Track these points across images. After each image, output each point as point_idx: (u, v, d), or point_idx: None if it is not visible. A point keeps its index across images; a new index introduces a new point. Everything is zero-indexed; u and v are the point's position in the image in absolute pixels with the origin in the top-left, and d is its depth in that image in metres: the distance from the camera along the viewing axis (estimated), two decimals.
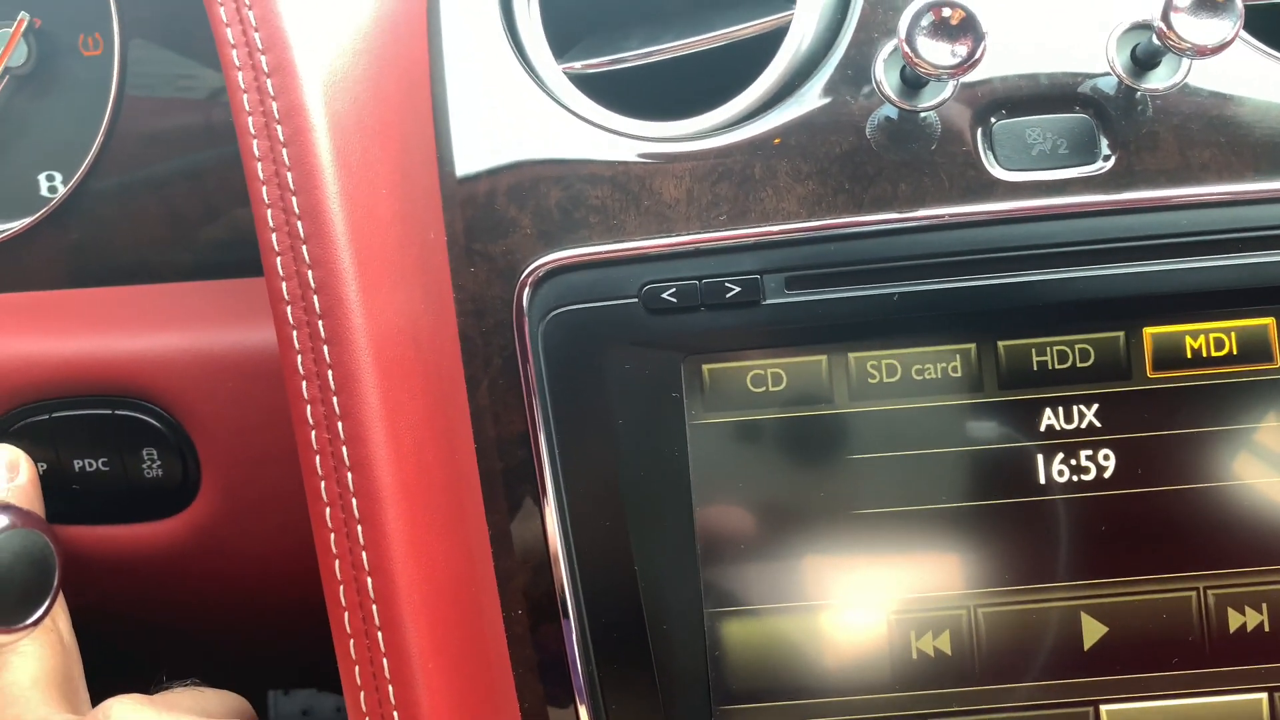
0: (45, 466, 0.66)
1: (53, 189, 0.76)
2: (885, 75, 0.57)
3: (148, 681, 0.63)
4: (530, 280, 0.58)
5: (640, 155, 0.59)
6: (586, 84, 0.63)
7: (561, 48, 0.64)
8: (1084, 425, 0.58)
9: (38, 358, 0.65)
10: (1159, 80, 0.57)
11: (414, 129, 0.58)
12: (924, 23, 0.53)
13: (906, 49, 0.53)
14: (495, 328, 0.59)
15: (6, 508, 0.42)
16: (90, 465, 0.66)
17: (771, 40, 0.61)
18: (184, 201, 0.71)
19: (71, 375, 0.65)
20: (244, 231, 0.71)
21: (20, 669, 0.54)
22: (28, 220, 0.72)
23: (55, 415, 0.65)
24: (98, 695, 0.59)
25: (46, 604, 0.43)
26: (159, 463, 0.66)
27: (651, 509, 0.58)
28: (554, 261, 0.58)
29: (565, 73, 0.63)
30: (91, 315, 0.67)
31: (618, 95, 0.63)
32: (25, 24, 0.75)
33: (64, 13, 0.75)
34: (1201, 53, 0.53)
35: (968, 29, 0.53)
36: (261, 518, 0.66)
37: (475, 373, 0.58)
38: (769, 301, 0.57)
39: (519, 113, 0.61)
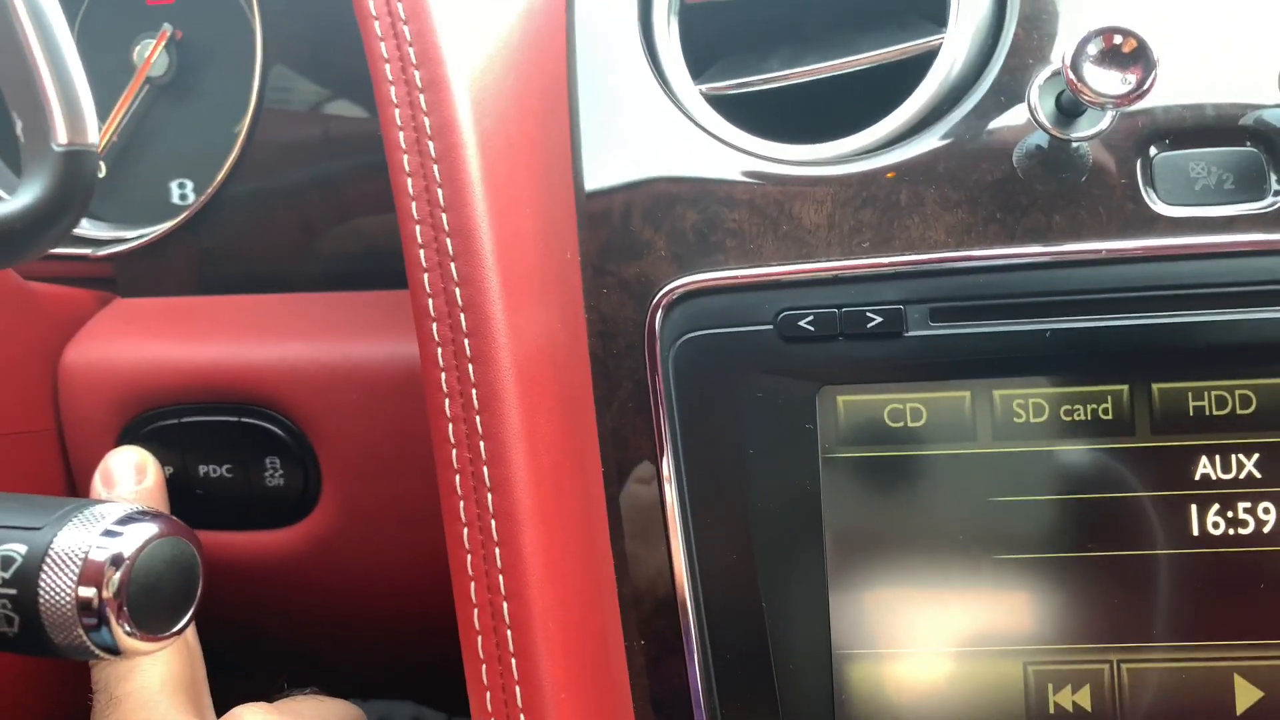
0: (171, 470, 0.67)
1: (183, 196, 0.78)
2: (1040, 102, 0.55)
3: (259, 687, 0.63)
4: (663, 303, 0.57)
5: (780, 179, 0.58)
6: (724, 105, 0.62)
7: (699, 67, 0.63)
8: (1242, 475, 0.55)
9: (170, 363, 0.66)
10: None
11: (553, 147, 0.57)
12: (1092, 50, 0.51)
13: (1071, 76, 0.51)
14: (626, 350, 0.58)
15: (156, 516, 0.42)
16: (214, 471, 0.66)
17: (917, 63, 0.59)
18: (315, 213, 0.71)
19: (201, 382, 0.66)
20: (373, 244, 0.71)
21: (150, 673, 0.55)
22: (164, 227, 0.73)
23: (184, 420, 0.66)
24: (215, 701, 0.59)
25: (191, 613, 0.43)
26: (281, 472, 0.66)
27: (780, 543, 0.56)
28: (688, 285, 0.57)
29: (703, 93, 0.62)
30: (222, 323, 0.68)
31: (755, 116, 0.61)
32: (168, 36, 0.76)
33: (204, 25, 0.77)
34: None
35: (1139, 57, 0.50)
36: (380, 530, 0.66)
37: (605, 395, 0.57)
38: (912, 333, 0.55)
39: (655, 132, 0.60)
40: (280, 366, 0.65)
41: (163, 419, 0.66)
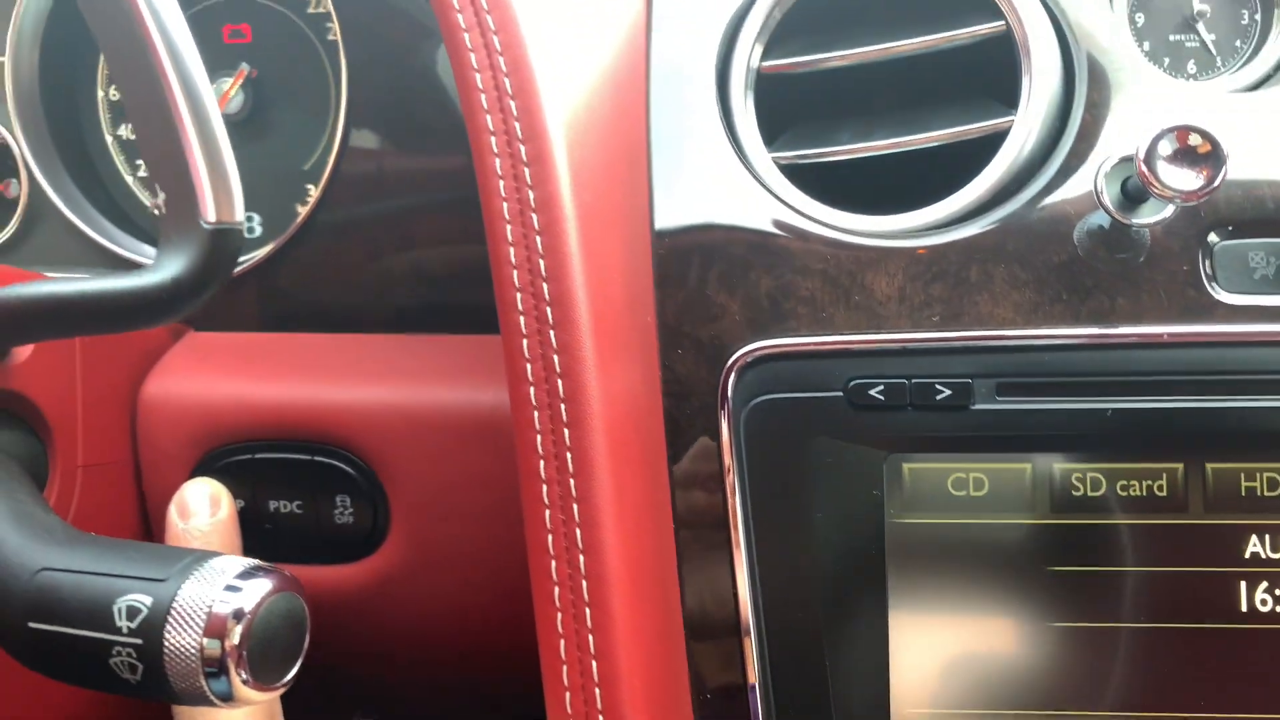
0: (242, 503, 0.68)
1: (251, 230, 0.80)
2: (1106, 186, 0.58)
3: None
4: (736, 366, 0.59)
5: (853, 250, 0.60)
6: (794, 171, 0.64)
7: (769, 134, 0.66)
8: None
9: (245, 401, 0.68)
10: None
11: (636, 214, 0.60)
12: (1166, 148, 0.53)
13: (1144, 170, 0.53)
14: (699, 410, 0.60)
15: (271, 571, 0.44)
16: (285, 506, 0.68)
17: (984, 144, 0.62)
18: (387, 255, 0.73)
19: (275, 420, 0.68)
20: (441, 287, 0.73)
21: (234, 712, 0.56)
22: (240, 263, 0.75)
23: (257, 456, 0.68)
24: None
25: (299, 663, 0.45)
26: (350, 510, 0.68)
27: (845, 604, 0.58)
28: (761, 349, 0.59)
29: (775, 161, 0.64)
30: (295, 361, 0.70)
31: (820, 184, 0.64)
32: (245, 75, 0.79)
33: (279, 66, 0.79)
34: None
35: (1212, 156, 0.53)
36: (446, 571, 0.68)
37: (678, 453, 0.59)
38: (978, 406, 0.58)
39: (731, 198, 0.62)
40: (354, 408, 0.67)
41: (237, 454, 0.68)
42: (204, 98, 0.40)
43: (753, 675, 0.58)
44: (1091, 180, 0.58)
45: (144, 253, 0.80)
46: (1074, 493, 0.58)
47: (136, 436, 0.69)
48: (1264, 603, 0.57)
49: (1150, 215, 0.57)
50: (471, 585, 0.67)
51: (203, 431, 0.69)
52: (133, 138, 0.82)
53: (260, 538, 0.69)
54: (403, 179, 0.76)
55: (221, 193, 0.39)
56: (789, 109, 0.67)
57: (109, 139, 0.82)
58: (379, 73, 0.75)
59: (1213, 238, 0.59)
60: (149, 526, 0.71)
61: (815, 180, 0.64)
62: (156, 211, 0.80)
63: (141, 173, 0.82)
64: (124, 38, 0.41)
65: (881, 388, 0.58)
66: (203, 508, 0.65)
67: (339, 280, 0.74)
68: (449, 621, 0.69)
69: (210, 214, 0.39)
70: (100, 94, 0.82)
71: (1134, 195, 0.57)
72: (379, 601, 0.69)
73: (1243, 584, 0.57)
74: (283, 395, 0.68)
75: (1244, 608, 0.57)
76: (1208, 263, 0.58)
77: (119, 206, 0.82)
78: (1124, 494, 0.58)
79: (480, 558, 0.66)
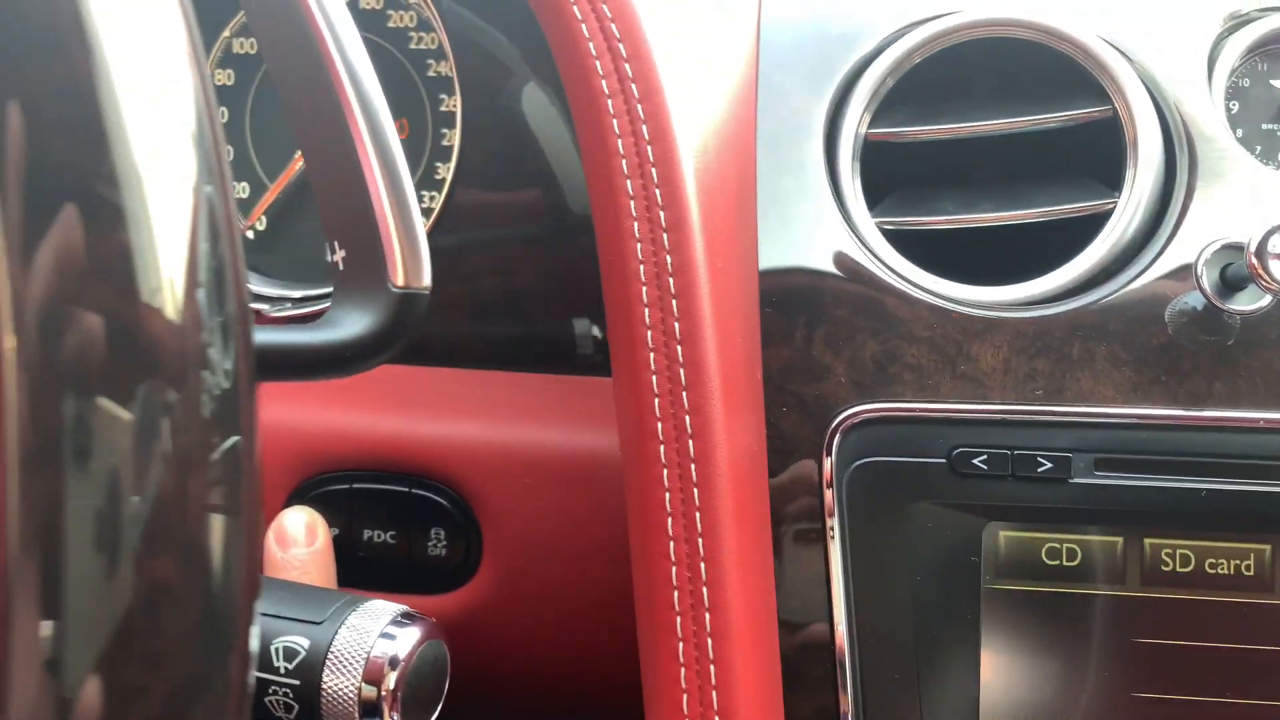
0: (337, 532, 0.70)
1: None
2: (1206, 272, 0.60)
3: None
4: (842, 427, 0.61)
5: (960, 319, 0.62)
6: (895, 238, 0.66)
7: (870, 200, 0.67)
8: None
9: (344, 432, 0.70)
10: None
11: (749, 275, 0.61)
12: (1276, 246, 0.55)
13: (1254, 262, 0.55)
14: (803, 470, 0.61)
15: (419, 619, 0.46)
16: (379, 536, 0.70)
17: (1084, 223, 0.64)
18: (485, 290, 0.75)
19: (373, 451, 0.69)
20: (534, 326, 0.75)
21: None
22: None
23: (355, 486, 0.69)
24: None
25: (441, 705, 0.46)
26: (444, 543, 0.69)
27: (940, 663, 0.60)
28: (867, 413, 0.61)
29: (879, 226, 0.66)
30: (394, 392, 0.72)
31: (920, 252, 0.65)
32: None
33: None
34: None
35: None
36: (535, 608, 0.69)
37: (780, 511, 0.61)
38: (1076, 480, 0.59)
39: (836, 261, 0.64)
40: (450, 441, 0.69)
41: (333, 484, 0.70)
42: (395, 152, 0.41)
43: None
44: (1192, 265, 0.60)
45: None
46: (1163, 568, 0.60)
47: None
48: None
49: (1245, 304, 0.59)
50: (559, 623, 0.68)
51: (300, 459, 0.70)
52: (229, 159, 0.84)
53: (353, 565, 0.70)
54: (503, 213, 0.77)
55: (412, 255, 0.41)
56: (890, 175, 0.69)
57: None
58: (481, 112, 0.76)
59: None
60: None
61: (915, 248, 0.66)
62: (249, 235, 0.82)
63: (235, 194, 0.84)
64: (313, 90, 0.43)
65: (985, 457, 0.60)
66: (301, 537, 0.67)
67: (437, 313, 0.75)
68: (536, 658, 0.70)
69: (399, 279, 0.41)
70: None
71: (1232, 283, 0.59)
72: (467, 634, 0.70)
73: None
74: (379, 426, 0.70)
75: None
76: None
77: None
78: (1212, 571, 0.60)
79: (569, 597, 0.67)
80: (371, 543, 0.70)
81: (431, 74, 0.80)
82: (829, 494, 0.61)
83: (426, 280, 0.41)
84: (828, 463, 0.61)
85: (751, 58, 0.69)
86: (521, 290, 0.76)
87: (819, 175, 0.66)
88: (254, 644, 0.27)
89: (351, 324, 0.41)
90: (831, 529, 0.60)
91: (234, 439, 0.26)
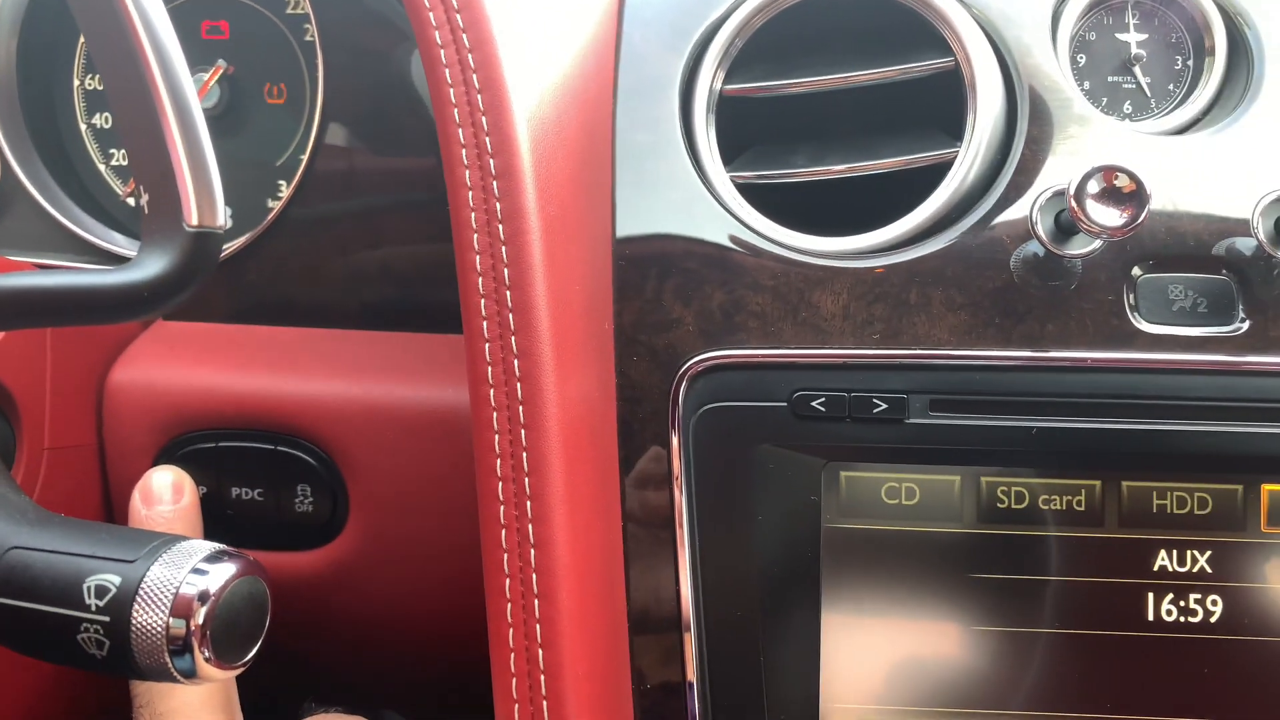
0: (205, 490, 0.70)
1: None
2: (1040, 219, 0.61)
3: (278, 705, 0.67)
4: (688, 374, 0.62)
5: (802, 269, 0.63)
6: (750, 191, 0.67)
7: (728, 155, 0.69)
8: (1196, 570, 0.61)
9: (211, 390, 0.70)
10: None
11: (598, 226, 0.62)
12: (1094, 186, 0.57)
13: (1074, 206, 0.57)
14: (651, 415, 0.62)
15: (235, 556, 0.46)
16: (246, 494, 0.70)
17: (930, 172, 0.65)
18: (357, 254, 0.75)
19: (240, 410, 0.70)
20: (409, 287, 0.76)
21: (190, 692, 0.58)
22: None
23: (220, 445, 0.70)
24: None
25: (259, 643, 0.47)
26: (311, 499, 0.70)
27: (781, 602, 0.61)
28: (713, 359, 0.62)
29: (733, 180, 0.67)
30: (262, 353, 0.72)
31: (776, 203, 0.67)
32: (221, 70, 0.80)
33: (256, 62, 0.81)
34: None
35: (1135, 196, 0.57)
36: (400, 561, 0.70)
37: (629, 456, 0.62)
38: (912, 420, 0.61)
39: (690, 214, 0.65)
40: (318, 400, 0.70)
41: (200, 442, 0.70)
42: (190, 102, 0.42)
43: (691, 670, 0.61)
44: (1028, 212, 0.62)
45: (114, 240, 0.82)
46: (999, 505, 0.62)
47: (102, 421, 0.71)
48: (1169, 613, 0.61)
49: (1080, 247, 0.61)
50: (425, 576, 0.69)
51: (168, 419, 0.71)
52: (107, 126, 0.84)
53: (222, 523, 0.71)
54: (373, 178, 0.78)
55: (204, 196, 0.42)
56: (749, 131, 0.70)
57: (83, 127, 0.83)
58: (355, 75, 0.77)
59: (1136, 271, 0.63)
60: (111, 509, 0.73)
61: (771, 200, 0.67)
62: (131, 202, 0.82)
63: (115, 161, 0.84)
64: (112, 39, 0.43)
65: (823, 399, 0.61)
66: (166, 495, 0.67)
67: (307, 275, 0.76)
68: (402, 610, 0.71)
69: (193, 217, 0.41)
70: (76, 83, 0.83)
71: (1066, 228, 0.61)
72: (334, 589, 0.71)
73: (1150, 595, 0.61)
74: (248, 386, 0.70)
75: (1150, 617, 0.61)
76: (1131, 294, 0.62)
77: (91, 194, 0.83)
78: (1045, 507, 0.61)
79: (434, 550, 0.68)
80: (240, 500, 0.70)
81: (308, 38, 0.80)
82: (675, 439, 0.62)
83: (220, 219, 0.42)
84: (675, 408, 0.62)
85: (612, 14, 0.70)
86: (396, 254, 0.76)
87: (674, 131, 0.67)
88: None
89: (150, 265, 0.42)
90: (678, 473, 0.62)
91: None
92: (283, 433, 0.70)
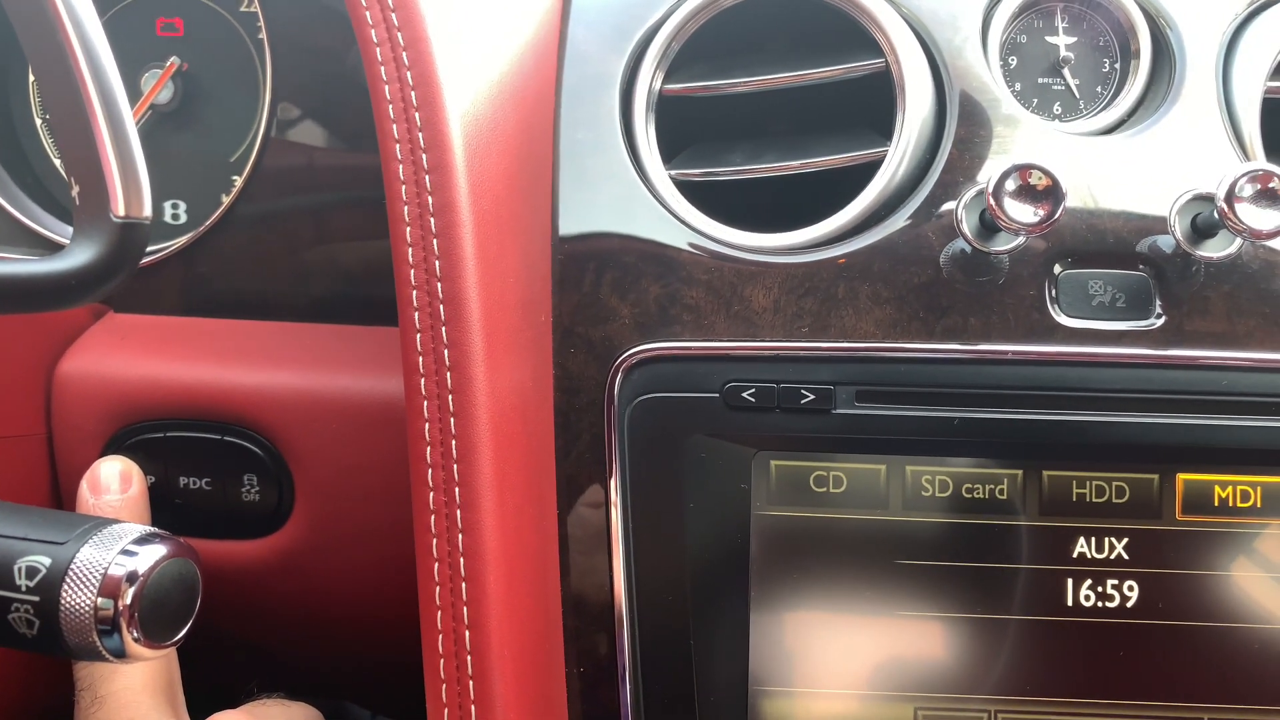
0: (153, 479, 0.71)
1: (175, 216, 0.83)
2: (966, 216, 0.63)
3: (228, 689, 0.68)
4: (624, 366, 0.64)
5: (735, 264, 0.65)
6: (689, 189, 0.69)
7: (668, 153, 0.70)
8: (1113, 556, 0.63)
9: (159, 381, 0.71)
10: (1214, 249, 0.63)
11: (536, 222, 0.64)
12: (1010, 185, 0.59)
13: (992, 203, 0.59)
14: (587, 406, 0.64)
15: (164, 538, 0.48)
16: (194, 483, 0.71)
17: (864, 170, 0.67)
18: (307, 248, 0.77)
19: (189, 400, 0.71)
20: (357, 282, 0.77)
21: (132, 674, 0.60)
22: (162, 248, 0.78)
23: (169, 435, 0.71)
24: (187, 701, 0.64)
25: (189, 624, 0.49)
26: (257, 489, 0.71)
27: (711, 588, 0.63)
28: (647, 352, 0.64)
29: (672, 177, 0.69)
30: (211, 345, 0.73)
31: (717, 200, 0.69)
32: (175, 67, 0.81)
33: (210, 60, 0.82)
34: (1256, 236, 0.59)
35: (1050, 193, 0.59)
36: (346, 550, 0.71)
37: (565, 445, 0.64)
38: (839, 411, 0.63)
39: (628, 211, 0.67)
40: (264, 391, 0.71)
41: (149, 432, 0.71)
42: (117, 95, 0.43)
43: (624, 656, 0.63)
44: (954, 210, 0.64)
45: (66, 234, 0.82)
46: (923, 493, 0.63)
47: (51, 411, 0.72)
48: (1087, 598, 0.63)
49: (1003, 244, 0.63)
50: (368, 563, 0.71)
51: (116, 409, 0.72)
52: None
53: (170, 512, 0.72)
54: (322, 174, 0.79)
55: (132, 188, 0.43)
56: (688, 129, 0.72)
57: (38, 122, 0.84)
58: (304, 73, 0.78)
59: (1057, 268, 0.65)
60: (60, 497, 0.74)
61: (709, 197, 0.68)
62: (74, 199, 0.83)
63: None
64: (40, 33, 0.44)
65: (753, 390, 0.63)
66: (114, 484, 0.68)
67: (257, 269, 0.77)
68: (347, 596, 0.72)
69: (120, 208, 0.43)
70: (31, 79, 0.84)
71: (990, 225, 0.63)
72: (281, 576, 0.72)
73: (1070, 581, 0.63)
74: (196, 377, 0.72)
75: (1069, 602, 0.63)
76: (1052, 289, 0.64)
77: (45, 188, 0.84)
78: (968, 496, 0.63)
79: (377, 538, 0.70)
80: (188, 490, 0.71)
81: (261, 36, 0.82)
82: (611, 428, 0.63)
83: (147, 210, 0.43)
84: (610, 399, 0.64)
85: (555, 14, 0.72)
86: (343, 248, 0.78)
87: (614, 129, 0.69)
88: None
89: (78, 255, 0.43)
90: (612, 462, 0.63)
91: None
92: (230, 423, 0.71)
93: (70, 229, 0.82)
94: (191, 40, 0.83)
